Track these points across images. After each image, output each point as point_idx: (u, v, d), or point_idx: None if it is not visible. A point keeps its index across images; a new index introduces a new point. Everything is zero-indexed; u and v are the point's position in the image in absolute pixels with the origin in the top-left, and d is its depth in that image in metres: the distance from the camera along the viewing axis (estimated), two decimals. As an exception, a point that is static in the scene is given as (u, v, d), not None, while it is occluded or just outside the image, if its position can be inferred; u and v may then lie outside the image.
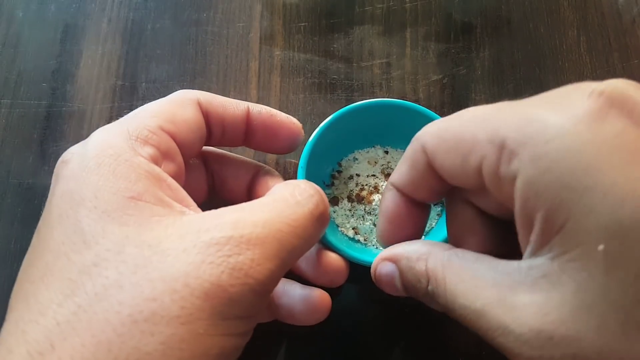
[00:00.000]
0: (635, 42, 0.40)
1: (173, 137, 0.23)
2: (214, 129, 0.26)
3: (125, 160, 0.20)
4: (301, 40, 0.40)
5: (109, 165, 0.20)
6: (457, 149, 0.19)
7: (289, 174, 0.36)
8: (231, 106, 0.27)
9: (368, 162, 0.35)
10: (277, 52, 0.40)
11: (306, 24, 0.41)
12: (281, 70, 0.40)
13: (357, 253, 0.29)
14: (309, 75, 0.39)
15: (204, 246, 0.18)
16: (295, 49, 0.40)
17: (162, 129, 0.23)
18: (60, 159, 0.22)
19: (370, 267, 0.29)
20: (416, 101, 0.39)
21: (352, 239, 0.32)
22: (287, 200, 0.21)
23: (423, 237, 0.32)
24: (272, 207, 0.21)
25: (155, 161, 0.22)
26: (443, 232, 0.31)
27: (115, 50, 0.40)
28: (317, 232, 0.23)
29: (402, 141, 0.34)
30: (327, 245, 0.29)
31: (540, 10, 0.42)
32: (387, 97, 0.39)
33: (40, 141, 0.37)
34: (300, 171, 0.30)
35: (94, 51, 0.40)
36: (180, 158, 0.24)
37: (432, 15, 0.42)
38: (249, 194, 0.29)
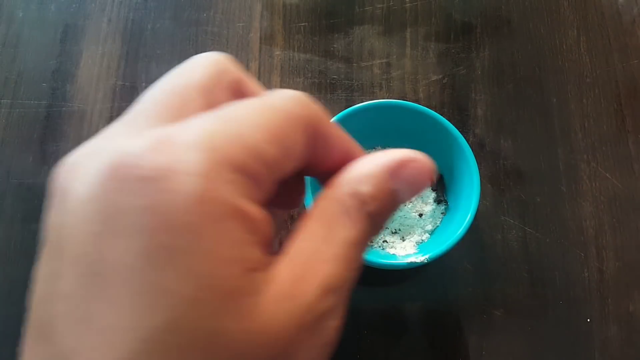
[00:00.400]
0: (635, 42, 0.40)
1: (278, 167, 0.18)
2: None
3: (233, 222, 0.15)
4: (301, 40, 0.40)
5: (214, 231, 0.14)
6: None
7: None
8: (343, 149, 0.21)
9: None
10: (277, 52, 0.40)
11: (306, 24, 0.41)
12: (281, 70, 0.40)
13: (367, 256, 0.29)
14: (309, 75, 0.39)
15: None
16: (295, 49, 0.40)
17: (276, 163, 0.17)
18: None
19: (381, 268, 0.29)
20: (416, 101, 0.39)
21: None
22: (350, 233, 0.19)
23: (428, 236, 0.33)
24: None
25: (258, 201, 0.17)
26: (447, 231, 0.31)
27: (115, 50, 0.40)
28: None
29: (403, 141, 0.34)
30: None
31: (540, 10, 0.42)
32: (387, 97, 0.39)
33: (40, 141, 0.37)
34: (308, 202, 0.30)
35: (94, 51, 0.40)
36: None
37: (432, 15, 0.42)
38: None
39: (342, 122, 0.31)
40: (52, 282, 0.14)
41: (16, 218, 0.35)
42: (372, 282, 0.25)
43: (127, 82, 0.39)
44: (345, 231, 0.18)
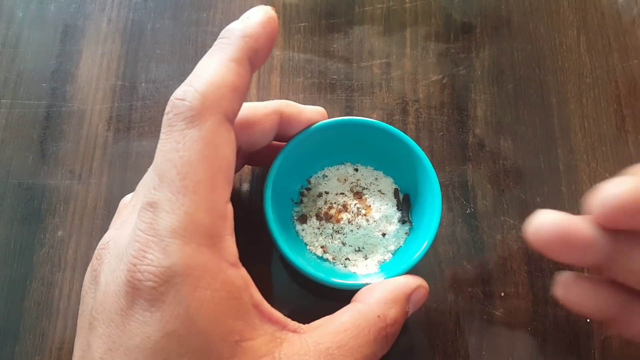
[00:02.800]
0: (635, 42, 0.40)
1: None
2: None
3: (224, 287, 0.18)
4: (301, 40, 0.40)
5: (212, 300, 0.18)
6: None
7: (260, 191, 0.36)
8: (263, 121, 0.27)
9: (338, 179, 0.34)
10: (277, 52, 0.40)
11: (306, 24, 0.41)
12: (281, 70, 0.40)
13: (324, 274, 0.29)
14: (309, 75, 0.39)
15: None
16: (295, 49, 0.40)
17: (228, 202, 0.20)
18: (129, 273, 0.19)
19: (336, 288, 0.29)
20: (416, 101, 0.39)
21: (321, 258, 0.32)
22: (369, 342, 0.22)
23: (390, 255, 0.32)
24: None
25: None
26: (409, 252, 0.31)
27: (115, 50, 0.40)
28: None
29: (372, 159, 0.34)
30: (292, 267, 0.29)
31: (540, 10, 0.42)
32: (387, 97, 0.39)
33: (40, 141, 0.37)
34: (267, 189, 0.29)
35: (93, 51, 0.40)
36: None
37: (432, 15, 0.42)
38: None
39: (312, 136, 0.31)
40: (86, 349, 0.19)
41: (16, 218, 0.35)
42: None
43: (127, 82, 0.39)
44: (365, 348, 0.22)
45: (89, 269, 0.21)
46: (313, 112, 0.29)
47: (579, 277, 0.23)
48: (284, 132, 0.28)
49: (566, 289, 0.23)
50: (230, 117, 0.20)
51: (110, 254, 0.19)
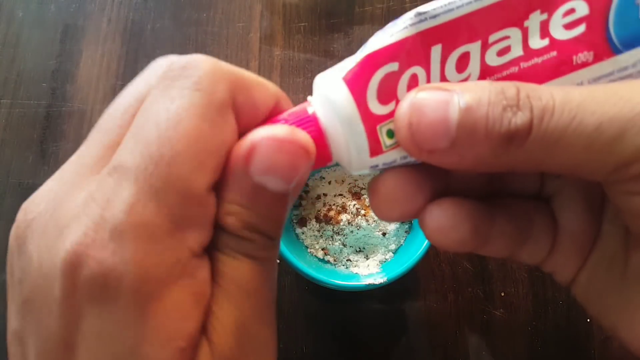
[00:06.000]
0: (635, 42, 0.40)
1: (214, 187, 0.17)
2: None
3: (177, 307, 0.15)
4: (301, 40, 0.40)
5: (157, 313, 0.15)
6: None
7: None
8: (264, 102, 0.19)
9: (335, 180, 0.34)
10: (277, 52, 0.40)
11: (306, 24, 0.41)
12: (281, 70, 0.40)
13: (326, 276, 0.29)
14: (309, 75, 0.39)
15: None
16: (295, 49, 0.40)
17: (210, 190, 0.16)
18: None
19: (339, 290, 0.29)
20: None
21: (322, 260, 0.32)
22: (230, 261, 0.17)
23: (391, 255, 0.32)
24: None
25: (205, 246, 0.16)
26: (410, 250, 0.31)
27: (115, 50, 0.40)
28: None
29: None
30: (294, 270, 0.29)
31: (540, 10, 0.42)
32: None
33: (40, 141, 0.37)
34: None
35: (93, 51, 0.40)
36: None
37: (432, 15, 0.42)
38: None
39: None
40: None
41: (16, 218, 0.35)
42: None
43: (127, 82, 0.39)
44: (221, 263, 0.17)
45: (14, 226, 0.17)
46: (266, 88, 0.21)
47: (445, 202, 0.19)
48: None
49: (428, 214, 0.19)
50: (236, 106, 0.17)
51: (46, 220, 0.16)
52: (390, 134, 0.18)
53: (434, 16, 0.17)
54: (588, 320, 0.32)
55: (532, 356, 0.32)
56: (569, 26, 0.17)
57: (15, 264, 0.17)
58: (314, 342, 0.32)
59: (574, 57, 0.17)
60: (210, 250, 0.17)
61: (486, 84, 0.17)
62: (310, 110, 0.18)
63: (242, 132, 0.18)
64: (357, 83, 0.17)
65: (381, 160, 0.18)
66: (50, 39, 0.40)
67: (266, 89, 0.19)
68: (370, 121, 0.18)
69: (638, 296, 0.19)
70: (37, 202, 0.17)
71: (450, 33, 0.17)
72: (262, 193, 0.17)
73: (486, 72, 0.18)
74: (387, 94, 0.17)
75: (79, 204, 0.15)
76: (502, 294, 0.33)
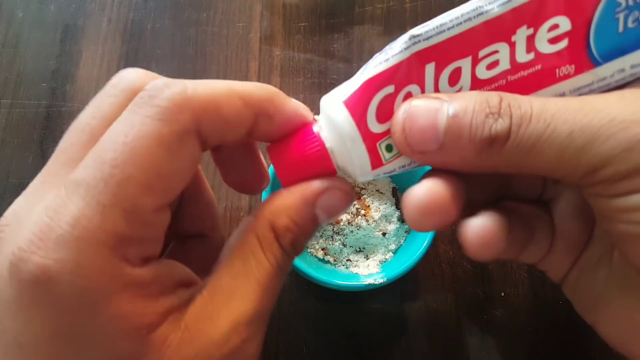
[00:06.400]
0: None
1: (165, 207, 0.18)
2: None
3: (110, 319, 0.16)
4: (301, 40, 0.40)
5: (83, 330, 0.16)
6: None
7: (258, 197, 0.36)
8: (237, 116, 0.19)
9: None
10: (277, 52, 0.40)
11: (306, 24, 0.41)
12: (281, 70, 0.40)
13: (326, 276, 0.29)
14: (309, 75, 0.39)
15: None
16: (295, 49, 0.40)
17: (157, 210, 0.17)
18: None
19: (339, 290, 0.29)
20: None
21: (322, 260, 0.32)
22: (266, 267, 0.20)
23: (391, 255, 0.32)
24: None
25: (146, 258, 0.18)
26: (410, 250, 0.31)
27: (115, 50, 0.40)
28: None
29: None
30: (294, 270, 0.29)
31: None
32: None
33: (40, 141, 0.37)
34: (265, 194, 0.29)
35: (93, 51, 0.40)
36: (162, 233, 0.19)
37: (432, 15, 0.41)
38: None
39: None
40: None
41: (16, 218, 0.35)
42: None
43: (127, 82, 0.39)
44: (260, 265, 0.20)
45: None
46: (296, 107, 0.22)
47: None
48: (262, 128, 0.21)
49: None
50: (203, 134, 0.18)
51: (9, 232, 0.18)
52: (389, 148, 0.20)
53: (427, 38, 0.19)
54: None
55: (532, 356, 0.32)
56: (553, 40, 0.19)
57: None
58: (314, 342, 0.32)
59: (557, 70, 0.19)
60: (247, 253, 0.20)
61: (474, 93, 0.19)
62: (315, 129, 0.20)
63: (213, 144, 0.20)
64: (357, 107, 0.19)
65: (382, 171, 0.20)
66: (50, 39, 0.40)
67: (240, 103, 0.20)
68: (371, 140, 0.20)
69: (615, 295, 0.21)
70: (6, 217, 0.18)
71: (442, 52, 0.19)
72: (313, 221, 0.21)
73: (476, 85, 0.19)
74: (385, 113, 0.19)
75: (34, 215, 0.17)
76: (502, 294, 0.33)
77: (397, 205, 0.34)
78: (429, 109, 0.18)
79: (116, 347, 0.16)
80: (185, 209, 0.25)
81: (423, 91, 0.19)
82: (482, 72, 0.19)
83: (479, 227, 0.19)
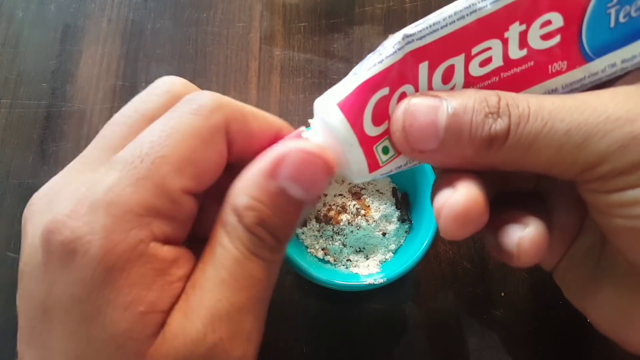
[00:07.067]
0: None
1: (195, 193, 0.19)
2: (230, 157, 0.21)
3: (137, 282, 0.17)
4: (301, 40, 0.40)
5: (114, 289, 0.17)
6: None
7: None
8: (260, 132, 0.21)
9: (335, 181, 0.34)
10: (277, 52, 0.40)
11: (306, 24, 0.41)
12: (281, 70, 0.40)
13: (326, 276, 0.29)
14: (309, 75, 0.39)
15: None
16: (295, 49, 0.40)
17: (185, 192, 0.18)
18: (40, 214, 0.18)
19: (339, 290, 0.29)
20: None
21: (322, 260, 0.32)
22: (234, 255, 0.19)
23: (391, 255, 0.32)
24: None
25: (172, 238, 0.18)
26: (410, 250, 0.31)
27: (115, 50, 0.40)
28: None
29: None
30: (294, 270, 0.29)
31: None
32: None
33: (40, 141, 0.37)
34: None
35: (94, 51, 0.40)
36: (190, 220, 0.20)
37: (432, 15, 0.41)
38: None
39: None
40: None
41: (16, 218, 0.35)
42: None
43: (127, 82, 0.39)
44: (226, 252, 0.18)
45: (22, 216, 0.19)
46: (266, 120, 0.22)
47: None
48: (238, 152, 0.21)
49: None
50: (230, 139, 0.20)
51: (43, 204, 0.18)
52: (386, 150, 0.20)
53: (420, 37, 0.18)
54: (588, 320, 0.32)
55: (532, 356, 0.32)
56: (545, 37, 0.19)
57: (21, 245, 0.19)
58: (314, 342, 0.32)
59: (550, 67, 0.19)
60: (214, 241, 0.19)
61: (472, 92, 0.19)
62: (304, 136, 0.20)
63: (237, 157, 0.21)
64: (353, 110, 0.19)
65: (379, 173, 0.20)
66: (50, 39, 0.40)
67: (264, 120, 0.21)
68: (368, 143, 0.19)
69: (604, 283, 0.22)
70: (41, 192, 0.19)
71: (436, 50, 0.19)
72: (283, 197, 0.18)
73: (469, 83, 0.19)
74: (380, 115, 0.19)
75: (71, 189, 0.18)
76: (502, 294, 0.33)
77: (397, 205, 0.34)
78: (429, 107, 0.18)
79: (116, 322, 0.17)
80: (207, 211, 0.24)
81: (417, 90, 0.19)
82: (475, 70, 0.19)
83: (534, 237, 0.19)
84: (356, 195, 0.34)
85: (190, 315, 0.18)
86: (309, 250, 0.32)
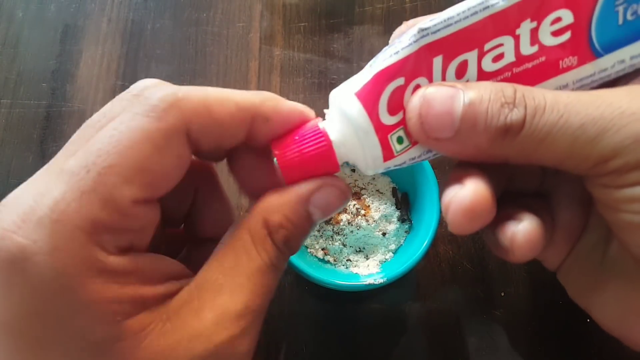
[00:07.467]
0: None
1: (148, 201, 0.18)
2: (201, 152, 0.21)
3: (83, 304, 0.16)
4: (301, 40, 0.40)
5: (56, 307, 0.16)
6: None
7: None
8: (231, 120, 0.20)
9: None
10: (277, 52, 0.40)
11: (306, 24, 0.41)
12: (281, 70, 0.40)
13: (326, 276, 0.29)
14: (309, 75, 0.39)
15: None
16: (295, 49, 0.40)
17: (137, 202, 0.18)
18: None
19: (339, 290, 0.29)
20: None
21: (322, 260, 0.32)
22: (257, 263, 0.19)
23: (391, 255, 0.32)
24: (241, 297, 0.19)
25: (124, 249, 0.18)
26: (410, 250, 0.31)
27: (115, 50, 0.40)
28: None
29: None
30: (294, 270, 0.29)
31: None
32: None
33: (40, 141, 0.37)
34: None
35: (94, 51, 0.40)
36: (152, 228, 0.20)
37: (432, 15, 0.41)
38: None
39: None
40: None
41: (16, 218, 0.35)
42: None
43: (127, 82, 0.39)
44: (251, 261, 0.19)
45: None
46: (294, 106, 0.22)
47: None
48: (262, 131, 0.21)
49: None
50: (194, 136, 0.19)
51: (1, 211, 0.18)
52: (400, 140, 0.20)
53: (435, 31, 0.19)
54: (588, 320, 0.32)
55: (532, 356, 0.32)
56: (556, 33, 0.19)
57: None
58: (314, 342, 0.32)
59: (560, 62, 0.19)
60: (239, 247, 0.20)
61: (488, 84, 0.19)
62: (321, 126, 0.20)
63: (210, 150, 0.20)
64: (369, 99, 0.19)
65: (393, 163, 0.20)
66: (50, 39, 0.40)
67: (234, 106, 0.20)
68: (383, 132, 0.20)
69: (610, 280, 0.22)
70: (3, 202, 0.18)
71: (450, 45, 0.19)
72: (308, 220, 0.20)
73: (482, 77, 0.20)
74: (395, 105, 0.19)
75: (21, 202, 0.17)
76: (502, 294, 0.33)
77: (397, 205, 0.34)
78: (445, 96, 0.18)
79: (89, 330, 0.17)
80: (199, 212, 0.25)
81: (431, 83, 0.20)
82: (488, 65, 0.19)
83: (528, 231, 0.20)
84: (356, 195, 0.34)
85: (200, 312, 0.18)
86: (309, 250, 0.32)
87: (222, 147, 0.21)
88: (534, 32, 0.19)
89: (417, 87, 0.19)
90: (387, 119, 0.19)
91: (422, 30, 0.19)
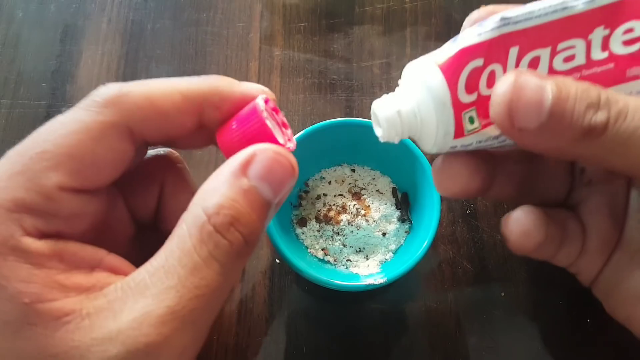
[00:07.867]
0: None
1: (80, 190, 0.19)
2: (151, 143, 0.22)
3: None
4: (301, 40, 0.40)
5: None
6: None
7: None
8: (177, 112, 0.20)
9: (335, 181, 0.34)
10: (277, 52, 0.40)
11: (306, 24, 0.41)
12: (281, 71, 0.40)
13: (326, 276, 0.29)
14: (309, 75, 0.39)
15: None
16: (295, 49, 0.40)
17: (65, 189, 0.18)
18: None
19: (339, 290, 0.29)
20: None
21: (322, 260, 0.32)
22: (192, 259, 0.17)
23: (391, 255, 0.33)
24: (175, 287, 0.17)
25: (48, 233, 0.18)
26: (410, 250, 0.31)
27: (115, 50, 0.40)
28: (241, 267, 0.19)
29: (369, 159, 0.34)
30: (294, 270, 0.29)
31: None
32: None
33: (40, 141, 0.37)
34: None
35: (94, 51, 0.40)
36: (88, 212, 0.20)
37: (432, 15, 0.42)
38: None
39: (308, 139, 0.31)
40: None
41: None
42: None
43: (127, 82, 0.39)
44: (185, 256, 0.17)
45: None
46: (247, 91, 0.22)
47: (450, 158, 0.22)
48: (213, 118, 0.21)
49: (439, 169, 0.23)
50: (138, 130, 0.20)
51: None
52: (472, 120, 0.20)
53: (516, 22, 0.19)
54: (588, 320, 0.32)
55: (531, 356, 0.32)
56: (627, 43, 0.20)
57: None
58: (314, 342, 0.32)
59: (628, 70, 0.20)
60: (172, 244, 0.18)
61: (573, 81, 0.19)
62: (259, 103, 0.20)
63: (160, 142, 0.21)
64: (451, 72, 0.20)
65: (460, 142, 0.20)
66: (50, 39, 0.40)
67: (179, 97, 0.20)
68: (459, 108, 0.20)
69: None
70: None
71: (527, 38, 0.20)
72: (255, 195, 0.18)
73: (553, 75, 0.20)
74: (472, 85, 0.20)
75: None
76: (502, 294, 0.33)
77: (397, 205, 0.34)
78: (538, 86, 0.18)
79: None
80: (166, 206, 0.24)
81: (505, 72, 0.20)
82: (559, 64, 0.20)
83: (521, 217, 0.20)
84: (356, 195, 0.34)
85: (119, 313, 0.17)
86: (309, 250, 0.32)
87: (172, 138, 0.21)
88: (606, 39, 0.20)
89: (492, 72, 0.20)
90: (464, 97, 0.20)
91: (505, 19, 0.19)
